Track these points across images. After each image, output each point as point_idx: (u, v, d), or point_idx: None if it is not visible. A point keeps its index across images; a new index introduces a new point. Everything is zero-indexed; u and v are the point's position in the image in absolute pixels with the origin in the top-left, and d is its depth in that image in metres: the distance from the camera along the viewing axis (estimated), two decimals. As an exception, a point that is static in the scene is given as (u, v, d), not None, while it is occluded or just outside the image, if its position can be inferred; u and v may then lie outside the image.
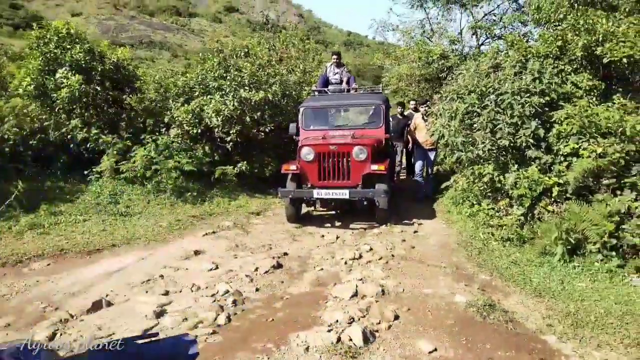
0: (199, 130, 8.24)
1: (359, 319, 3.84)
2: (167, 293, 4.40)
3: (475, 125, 7.07)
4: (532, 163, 6.81)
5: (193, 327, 3.74)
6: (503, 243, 6.26)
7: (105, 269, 4.95)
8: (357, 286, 4.43)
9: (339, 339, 3.48)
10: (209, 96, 8.43)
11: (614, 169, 6.13)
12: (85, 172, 7.64)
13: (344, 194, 6.57)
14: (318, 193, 6.65)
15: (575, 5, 9.36)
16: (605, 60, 7.17)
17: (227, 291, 4.43)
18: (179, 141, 8.09)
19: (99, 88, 7.96)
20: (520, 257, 5.83)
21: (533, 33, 12.47)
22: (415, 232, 6.68)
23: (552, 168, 6.68)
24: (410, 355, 3.39)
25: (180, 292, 4.45)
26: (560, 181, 6.36)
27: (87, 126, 7.83)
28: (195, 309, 4.06)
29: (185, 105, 8.23)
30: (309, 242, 6.27)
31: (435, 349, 3.45)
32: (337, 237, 6.47)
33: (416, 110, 10.00)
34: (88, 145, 7.72)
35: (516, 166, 6.82)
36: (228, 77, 8.63)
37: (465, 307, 4.08)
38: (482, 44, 14.98)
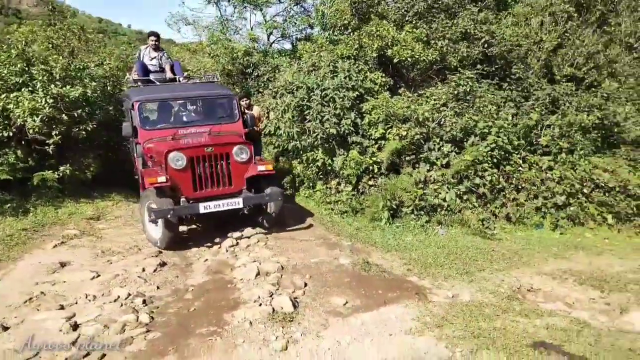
0: (10, 133, 7.08)
1: (276, 292, 4.34)
2: (62, 307, 4.06)
3: (307, 117, 8.04)
4: (351, 147, 8.15)
5: (120, 330, 3.67)
6: (342, 215, 7.43)
7: (-40, 297, 4.18)
8: (257, 267, 4.86)
9: (273, 310, 3.94)
10: (13, 94, 7.29)
11: (413, 148, 7.89)
12: None
13: (236, 202, 5.73)
14: (205, 207, 5.57)
15: (355, 14, 11.11)
16: (395, 60, 9.00)
17: (129, 294, 4.34)
18: (-17, 146, 6.84)
19: None
20: (359, 225, 7.06)
21: (317, 36, 13.94)
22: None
23: (367, 150, 8.12)
24: (332, 309, 4.10)
25: (76, 303, 4.16)
26: (378, 160, 7.84)
27: None
28: (108, 316, 3.92)
29: (-14, 104, 6.96)
30: (173, 239, 6.27)
31: (347, 302, 4.23)
32: (199, 228, 6.63)
33: None
34: None
35: (342, 150, 8.05)
36: (34, 72, 7.60)
37: (352, 266, 4.97)
38: (273, 42, 16.17)
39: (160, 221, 5.58)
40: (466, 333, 3.66)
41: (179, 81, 7.75)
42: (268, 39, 16.06)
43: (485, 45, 9.47)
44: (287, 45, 16.04)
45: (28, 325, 3.72)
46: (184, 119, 7.15)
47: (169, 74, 7.91)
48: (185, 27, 16.15)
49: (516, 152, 7.74)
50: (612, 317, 4.19)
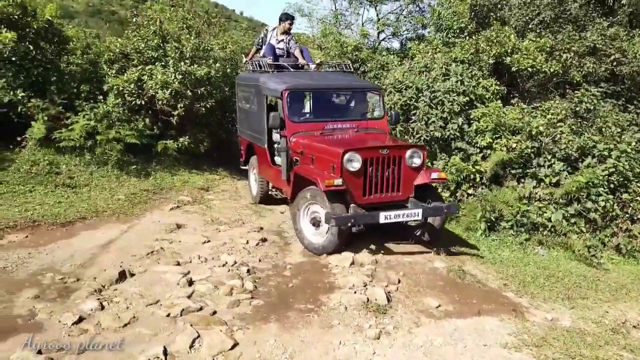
0: (142, 102, 7.89)
1: (370, 283, 4.45)
2: (179, 264, 4.50)
3: (412, 117, 8.04)
4: (454, 153, 8.01)
5: (229, 292, 3.99)
6: (435, 220, 7.34)
7: (95, 241, 4.81)
8: (352, 257, 5.01)
9: (367, 299, 4.07)
10: (148, 67, 8.08)
11: (521, 161, 7.58)
12: (19, 139, 6.89)
13: (416, 214, 5.06)
14: (386, 217, 4.92)
15: (474, 17, 10.83)
16: (513, 69, 8.68)
17: (235, 262, 4.68)
18: (119, 111, 7.67)
19: (31, 47, 7.12)
20: (452, 233, 6.95)
21: (431, 37, 13.73)
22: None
23: (470, 158, 7.94)
24: (424, 309, 4.13)
25: (190, 262, 4.59)
26: (481, 169, 7.64)
27: (11, 88, 6.98)
28: (217, 278, 4.27)
29: (127, 73, 7.80)
30: (273, 218, 6.62)
31: (440, 305, 4.24)
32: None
33: None
34: (20, 110, 6.89)
35: (444, 155, 7.95)
36: (168, 48, 8.36)
37: (447, 272, 4.95)
38: (382, 40, 16.23)
39: (328, 227, 5.01)
40: (566, 357, 3.52)
41: (300, 68, 7.11)
42: (378, 37, 16.14)
43: (614, 63, 8.81)
44: (396, 44, 16.03)
45: (150, 275, 4.18)
46: (328, 111, 6.52)
47: (301, 60, 7.16)
48: (300, 18, 16.68)
49: (636, 180, 7.15)
50: None
